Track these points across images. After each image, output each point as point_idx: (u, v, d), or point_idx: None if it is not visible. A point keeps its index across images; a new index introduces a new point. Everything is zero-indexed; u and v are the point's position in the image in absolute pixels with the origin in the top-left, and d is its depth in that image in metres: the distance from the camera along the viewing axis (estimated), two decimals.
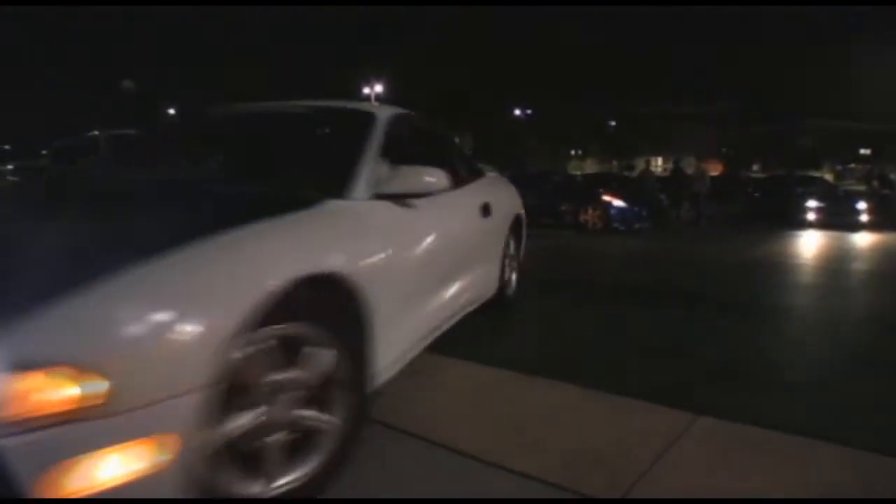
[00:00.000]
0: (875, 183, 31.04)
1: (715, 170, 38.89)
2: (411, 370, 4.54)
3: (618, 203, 17.43)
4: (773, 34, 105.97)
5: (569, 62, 77.94)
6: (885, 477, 3.29)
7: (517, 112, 50.43)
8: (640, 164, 26.92)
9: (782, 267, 11.89)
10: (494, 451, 3.40)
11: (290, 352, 2.64)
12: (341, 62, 63.57)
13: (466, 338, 5.68)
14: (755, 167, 56.68)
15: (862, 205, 20.33)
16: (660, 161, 44.63)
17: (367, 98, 44.44)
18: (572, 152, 58.28)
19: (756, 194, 24.81)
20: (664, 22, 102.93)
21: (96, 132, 14.70)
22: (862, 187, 30.90)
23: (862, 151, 65.78)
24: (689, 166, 26.05)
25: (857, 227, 19.12)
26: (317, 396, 2.79)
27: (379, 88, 44.64)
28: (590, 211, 17.39)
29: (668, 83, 74.04)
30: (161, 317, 2.12)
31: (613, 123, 57.73)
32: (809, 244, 15.86)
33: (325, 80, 66.19)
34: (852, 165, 64.50)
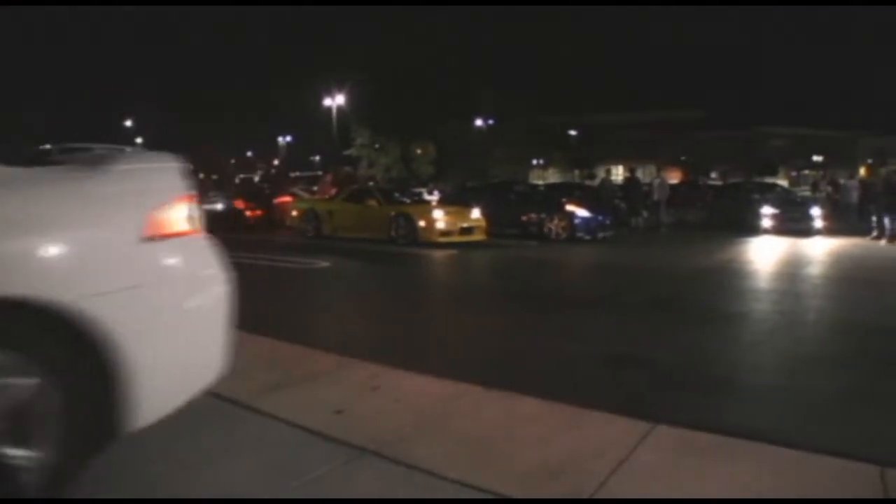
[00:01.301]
0: (829, 189, 31.80)
1: (675, 178, 39.48)
2: (371, 384, 4.53)
3: (582, 213, 17.52)
4: (732, 42, 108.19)
5: (531, 71, 78.60)
6: (831, 478, 3.34)
7: (479, 122, 50.61)
8: (601, 174, 27.21)
9: (739, 273, 12.09)
10: (453, 467, 3.37)
11: None
12: (299, 71, 63.25)
13: (410, 346, 5.74)
14: (714, 174, 57.54)
15: (816, 210, 20.76)
16: (620, 170, 45.09)
17: (329, 110, 44.29)
18: (535, 162, 58.61)
19: (715, 201, 25.16)
20: (624, 30, 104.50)
21: None
22: (811, 193, 31.56)
23: (815, 158, 67.24)
24: (651, 175, 26.38)
25: (811, 232, 19.50)
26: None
27: (341, 99, 44.44)
28: (554, 221, 17.42)
29: (629, 91, 75.18)
30: None
31: (575, 133, 58.25)
32: (765, 250, 16.15)
33: (283, 91, 65.84)
34: (806, 172, 65.86)
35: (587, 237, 17.17)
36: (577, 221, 17.21)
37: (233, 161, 63.67)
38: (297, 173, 44.32)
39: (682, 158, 60.72)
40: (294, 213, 18.31)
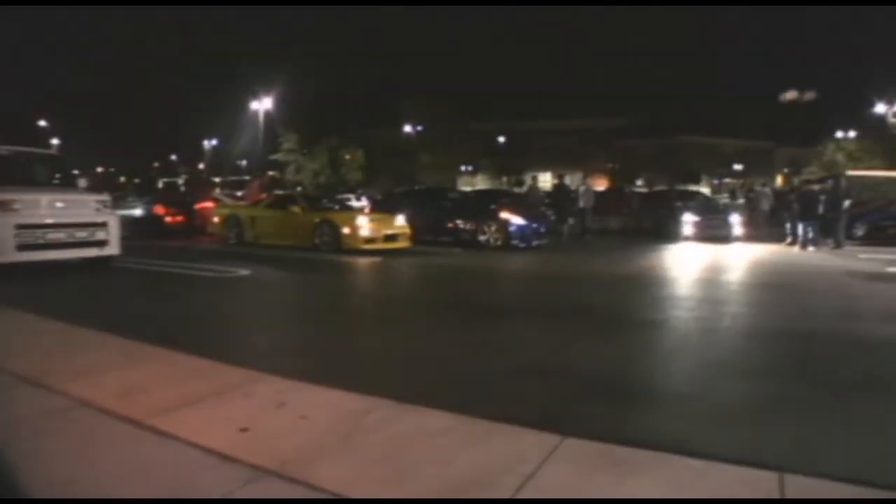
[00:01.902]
0: (751, 195, 32.95)
1: (601, 184, 40.25)
2: (278, 400, 4.38)
3: (517, 220, 17.41)
4: (658, 51, 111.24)
5: (460, 77, 79.15)
6: (732, 487, 3.38)
7: (408, 128, 50.51)
8: (529, 180, 27.46)
9: (659, 280, 12.34)
10: (355, 486, 3.27)
11: None
12: (226, 74, 62.08)
13: (324, 358, 5.61)
14: (639, 182, 58.93)
15: (735, 218, 21.43)
16: (548, 177, 45.76)
17: (255, 114, 43.49)
18: (463, 168, 58.83)
19: (640, 208, 25.69)
20: (552, 38, 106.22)
21: None
22: (730, 200, 32.64)
23: (736, 167, 69.69)
24: (578, 182, 26.78)
25: (730, 239, 20.11)
26: None
27: (268, 104, 43.66)
28: (490, 228, 17.28)
29: (556, 99, 76.39)
30: None
31: (503, 139, 58.75)
32: (685, 257, 16.58)
33: (209, 93, 64.46)
34: (727, 180, 68.18)
35: (522, 245, 17.11)
36: (512, 229, 17.12)
37: (156, 164, 61.85)
38: (221, 178, 43.25)
39: (609, 165, 62.01)
40: (215, 219, 17.80)
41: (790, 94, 42.15)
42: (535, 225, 17.90)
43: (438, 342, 6.87)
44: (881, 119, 42.00)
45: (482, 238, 17.27)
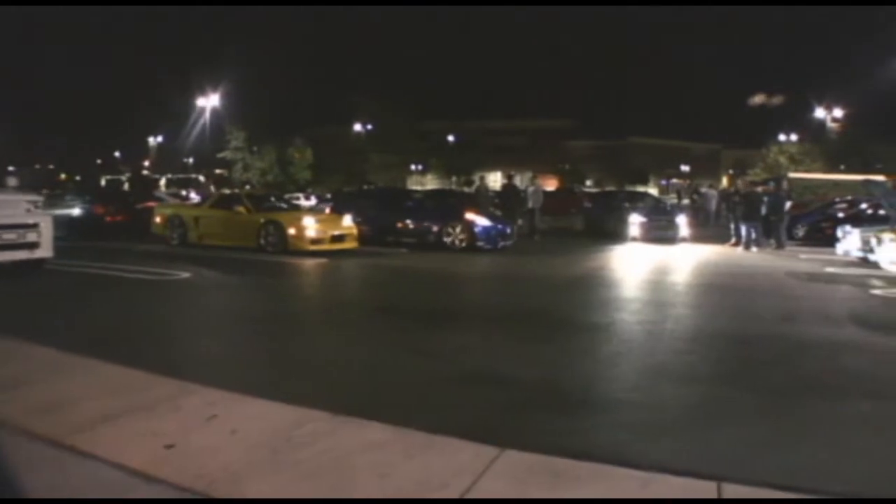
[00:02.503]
0: (695, 196, 33.56)
1: (550, 185, 40.57)
2: (208, 413, 4.20)
3: (482, 221, 17.13)
4: (607, 54, 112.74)
5: (410, 77, 78.94)
6: (681, 496, 3.37)
7: (358, 127, 50.08)
8: (477, 180, 27.42)
9: (606, 282, 12.43)
10: None
11: None
12: (173, 69, 60.67)
13: (260, 366, 5.45)
14: (589, 182, 59.66)
15: (682, 219, 21.70)
16: (498, 176, 45.87)
17: (203, 110, 42.68)
18: (413, 167, 58.61)
19: (590, 209, 25.86)
20: (501, 39, 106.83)
21: None
22: (677, 201, 33.18)
23: (683, 168, 71.16)
24: (527, 182, 26.84)
25: (676, 240, 20.36)
26: None
27: (216, 100, 42.89)
28: (454, 230, 16.83)
29: (506, 99, 76.76)
30: None
31: (453, 139, 58.74)
32: (632, 258, 16.71)
33: (155, 89, 63.10)
34: (675, 181, 69.56)
35: (488, 246, 16.73)
36: (477, 230, 16.78)
37: (98, 162, 60.11)
38: (169, 176, 42.29)
39: (559, 166, 62.59)
40: (157, 219, 17.27)
41: (758, 98, 43.12)
42: (500, 226, 17.55)
43: (379, 349, 6.74)
44: (822, 124, 43.30)
45: (447, 239, 16.81)
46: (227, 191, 24.48)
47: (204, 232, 16.12)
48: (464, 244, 16.63)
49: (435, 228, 17.17)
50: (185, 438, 3.83)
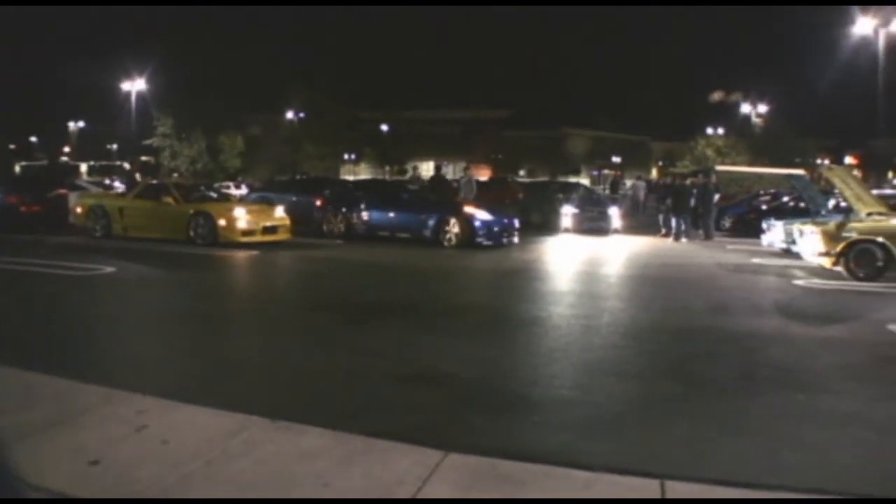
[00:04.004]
0: (623, 189, 34.26)
1: (484, 175, 40.66)
2: (138, 422, 3.99)
3: (483, 216, 15.87)
4: (542, 45, 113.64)
5: (342, 65, 78.03)
6: (626, 495, 3.40)
7: (290, 115, 49.12)
8: (411, 170, 27.27)
9: (541, 274, 12.58)
10: None
11: None
12: (98, 55, 58.32)
13: (192, 370, 5.25)
14: (522, 172, 60.13)
15: (614, 210, 22.02)
16: (431, 166, 45.82)
17: (128, 95, 41.19)
18: (346, 157, 57.87)
19: (524, 199, 25.90)
20: (435, 27, 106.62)
21: None
22: (610, 192, 33.73)
23: (614, 159, 72.51)
24: (461, 172, 26.80)
25: (609, 231, 20.65)
26: None
27: (142, 85, 41.42)
28: (449, 225, 15.61)
29: (440, 88, 76.70)
30: None
31: (386, 128, 58.22)
32: (566, 250, 16.85)
33: (77, 74, 60.54)
34: (606, 171, 70.83)
35: (488, 243, 15.55)
36: (477, 225, 15.54)
37: (12, 147, 57.18)
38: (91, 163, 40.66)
39: (493, 156, 62.88)
40: (78, 209, 16.48)
41: (717, 95, 44.03)
42: (505, 220, 16.34)
43: (315, 349, 6.57)
44: (747, 117, 44.72)
45: (446, 236, 15.53)
46: (153, 180, 23.58)
47: (129, 223, 15.47)
48: (461, 240, 15.37)
49: (431, 223, 15.86)
50: (111, 452, 3.62)
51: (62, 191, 18.76)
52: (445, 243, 15.48)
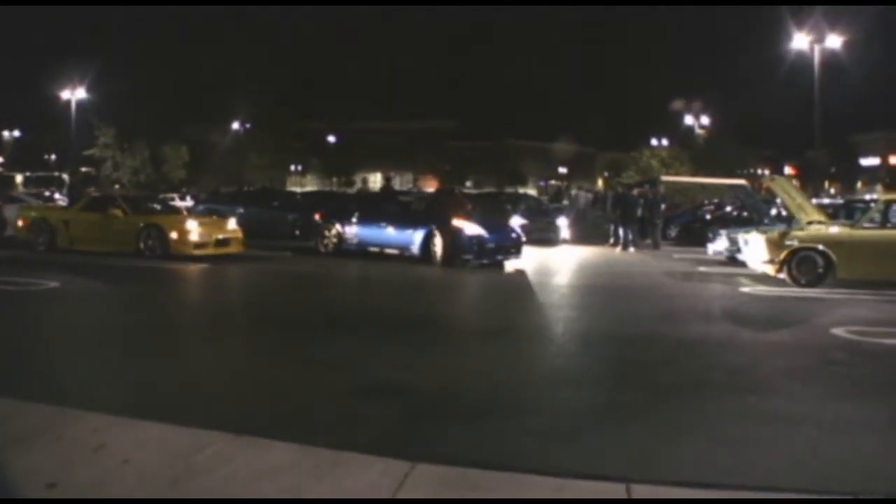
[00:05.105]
0: (563, 202, 34.65)
1: (431, 185, 40.77)
2: (95, 442, 3.87)
3: (472, 230, 14.32)
4: (486, 55, 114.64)
5: (288, 75, 77.33)
6: (594, 498, 3.45)
7: (236, 125, 48.35)
8: (359, 182, 27.17)
9: (493, 285, 12.60)
10: None
11: None
12: (35, 63, 56.64)
13: (149, 386, 5.13)
14: (469, 183, 60.41)
15: (563, 220, 22.25)
16: (378, 177, 45.64)
17: (68, 104, 40.13)
18: (292, 168, 57.18)
19: (474, 210, 25.92)
20: (383, 38, 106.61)
21: None
22: (558, 203, 34.08)
23: (560, 170, 73.54)
24: (408, 183, 26.83)
25: (558, 241, 20.86)
26: None
27: (82, 93, 40.40)
28: (433, 240, 14.41)
29: (385, 99, 76.63)
30: None
31: (333, 139, 57.81)
32: (517, 261, 16.92)
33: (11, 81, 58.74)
34: (553, 182, 71.81)
35: (480, 261, 14.15)
36: (463, 240, 14.12)
37: None
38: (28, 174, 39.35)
39: (445, 167, 63.05)
40: (20, 222, 15.91)
41: (678, 104, 44.86)
42: (511, 233, 15.33)
43: (273, 361, 6.47)
44: (690, 128, 45.87)
45: (434, 250, 14.27)
46: (94, 191, 22.90)
47: (75, 236, 14.97)
48: (437, 258, 14.18)
49: (417, 238, 14.59)
50: (69, 474, 3.49)
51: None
52: (432, 260, 14.26)
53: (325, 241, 16.08)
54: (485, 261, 14.27)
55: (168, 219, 15.09)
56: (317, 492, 3.43)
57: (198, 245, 14.14)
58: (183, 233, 14.13)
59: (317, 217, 17.05)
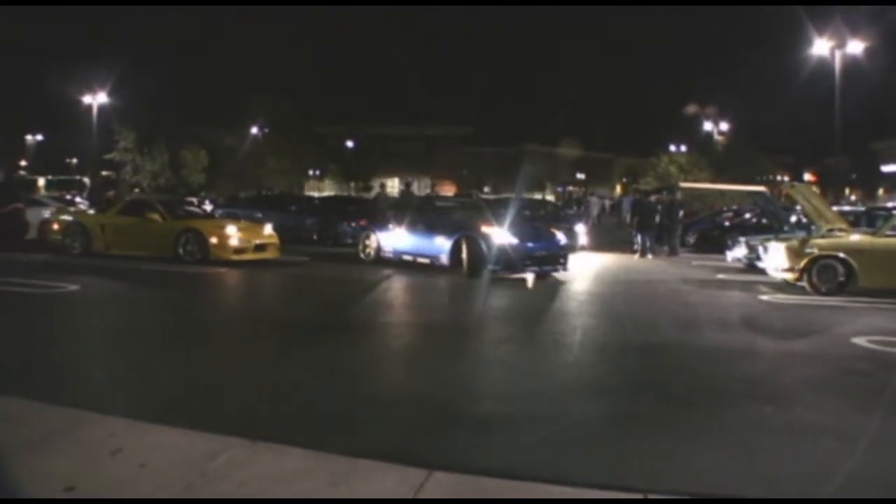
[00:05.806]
0: (577, 207, 34.61)
1: (449, 191, 40.81)
2: (112, 446, 3.89)
3: (501, 238, 13.20)
4: (503, 61, 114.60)
5: (307, 80, 77.67)
6: None
7: (254, 130, 48.57)
8: (377, 187, 27.24)
9: (514, 292, 12.52)
10: None
11: None
12: (58, 68, 57.24)
13: (167, 390, 5.15)
14: (486, 189, 60.33)
15: (581, 227, 22.15)
16: (396, 182, 45.73)
17: (89, 108, 40.59)
18: (310, 173, 57.35)
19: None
20: (403, 43, 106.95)
21: None
22: (575, 209, 33.98)
23: (579, 175, 73.27)
24: (426, 188, 26.86)
25: (576, 248, 20.72)
26: None
27: (103, 98, 40.83)
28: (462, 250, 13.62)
29: (405, 104, 76.74)
30: None
31: (351, 144, 57.93)
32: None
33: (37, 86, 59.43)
34: (571, 188, 71.54)
35: (508, 274, 13.24)
36: (487, 249, 13.06)
37: None
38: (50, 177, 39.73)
39: (458, 172, 63.06)
40: (55, 226, 15.89)
41: (692, 108, 44.57)
42: (552, 242, 14.25)
43: (298, 366, 6.48)
44: (709, 134, 45.54)
45: (463, 258, 13.52)
46: (112, 195, 23.04)
47: (112, 241, 15.03)
48: (464, 269, 13.46)
49: (446, 247, 13.85)
50: (87, 478, 3.51)
51: (18, 205, 18.27)
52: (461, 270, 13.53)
53: (367, 249, 15.69)
54: (524, 273, 13.41)
55: (207, 224, 15.19)
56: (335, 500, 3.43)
57: (237, 250, 14.21)
58: (223, 238, 14.19)
59: (361, 223, 17.10)
